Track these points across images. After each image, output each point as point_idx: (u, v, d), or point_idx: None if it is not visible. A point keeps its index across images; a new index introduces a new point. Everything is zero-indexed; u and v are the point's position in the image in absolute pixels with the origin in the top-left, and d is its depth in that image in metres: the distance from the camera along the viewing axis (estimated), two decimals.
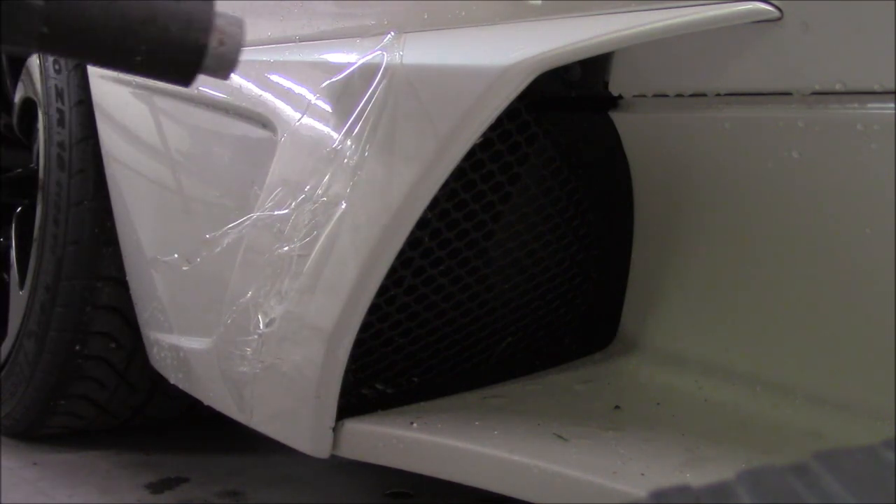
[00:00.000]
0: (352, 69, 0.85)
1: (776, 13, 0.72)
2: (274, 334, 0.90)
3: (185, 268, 1.00)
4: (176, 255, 1.02)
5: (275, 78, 0.95)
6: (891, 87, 0.69)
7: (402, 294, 0.93)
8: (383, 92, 0.82)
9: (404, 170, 0.81)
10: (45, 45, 0.75)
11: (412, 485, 1.29)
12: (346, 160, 0.84)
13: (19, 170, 1.61)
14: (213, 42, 0.78)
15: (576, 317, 1.07)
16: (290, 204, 0.87)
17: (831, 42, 0.71)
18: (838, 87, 0.71)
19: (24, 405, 1.38)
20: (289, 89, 0.94)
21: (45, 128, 1.34)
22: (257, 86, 0.97)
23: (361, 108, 0.83)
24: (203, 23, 0.78)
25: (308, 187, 0.87)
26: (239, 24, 0.81)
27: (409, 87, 0.81)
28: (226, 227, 0.93)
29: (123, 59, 0.77)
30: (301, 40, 0.95)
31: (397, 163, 0.82)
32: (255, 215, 0.90)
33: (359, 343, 0.89)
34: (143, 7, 0.76)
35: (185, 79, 0.80)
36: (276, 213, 0.88)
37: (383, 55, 0.83)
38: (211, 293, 1.01)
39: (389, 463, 0.89)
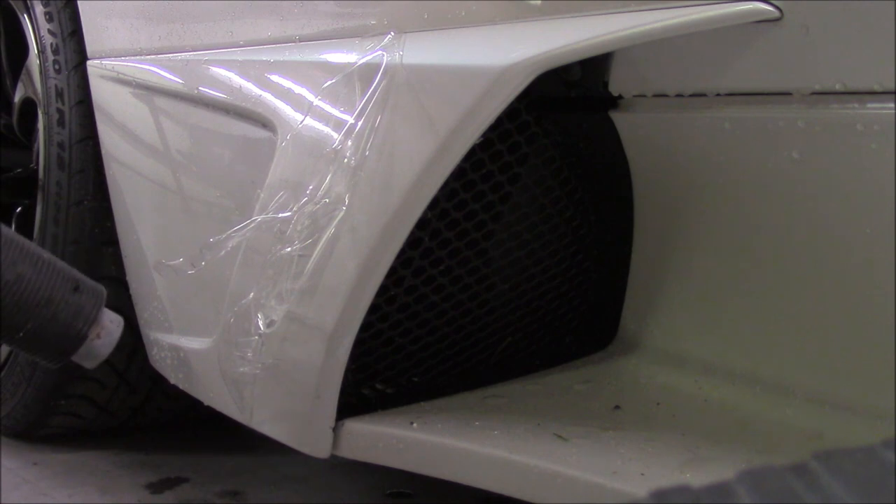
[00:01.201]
0: (352, 69, 0.85)
1: (776, 13, 0.72)
2: (274, 334, 0.90)
3: (190, 272, 1.01)
4: (181, 260, 1.02)
5: (275, 78, 0.95)
6: (891, 87, 0.69)
7: (402, 294, 0.93)
8: (383, 92, 0.82)
9: (404, 170, 0.81)
10: None
11: (412, 485, 1.29)
12: (346, 160, 0.84)
13: (19, 170, 1.61)
14: (93, 334, 0.88)
15: (576, 317, 1.07)
16: (292, 205, 0.87)
17: (831, 42, 0.71)
18: (838, 87, 0.71)
19: (24, 405, 1.38)
20: (289, 89, 0.94)
21: (45, 128, 1.34)
22: (257, 86, 0.97)
23: (361, 108, 0.83)
24: (89, 316, 0.87)
25: (308, 188, 0.87)
26: (119, 323, 0.91)
27: (409, 87, 0.81)
28: (230, 231, 0.93)
29: (7, 331, 0.84)
30: (301, 40, 0.95)
31: (397, 163, 0.82)
32: (258, 218, 0.90)
33: (359, 343, 0.89)
34: (44, 291, 0.84)
35: (57, 360, 0.89)
36: (279, 215, 0.88)
37: (383, 55, 0.83)
38: (211, 293, 1.01)
39: (389, 463, 0.89)
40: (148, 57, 1.14)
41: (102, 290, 0.91)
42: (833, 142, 0.75)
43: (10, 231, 0.87)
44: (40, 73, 1.36)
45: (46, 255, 0.89)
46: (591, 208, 1.02)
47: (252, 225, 0.91)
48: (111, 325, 0.90)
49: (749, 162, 0.82)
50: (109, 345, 0.89)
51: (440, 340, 0.99)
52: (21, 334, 0.85)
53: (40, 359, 0.90)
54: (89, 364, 0.90)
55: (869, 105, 0.71)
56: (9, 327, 0.84)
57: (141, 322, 1.23)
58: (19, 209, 1.54)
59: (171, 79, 1.10)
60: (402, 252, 0.86)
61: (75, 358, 0.89)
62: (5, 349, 1.42)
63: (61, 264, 0.89)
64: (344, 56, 0.87)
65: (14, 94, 1.56)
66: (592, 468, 0.77)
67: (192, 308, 1.10)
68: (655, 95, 0.86)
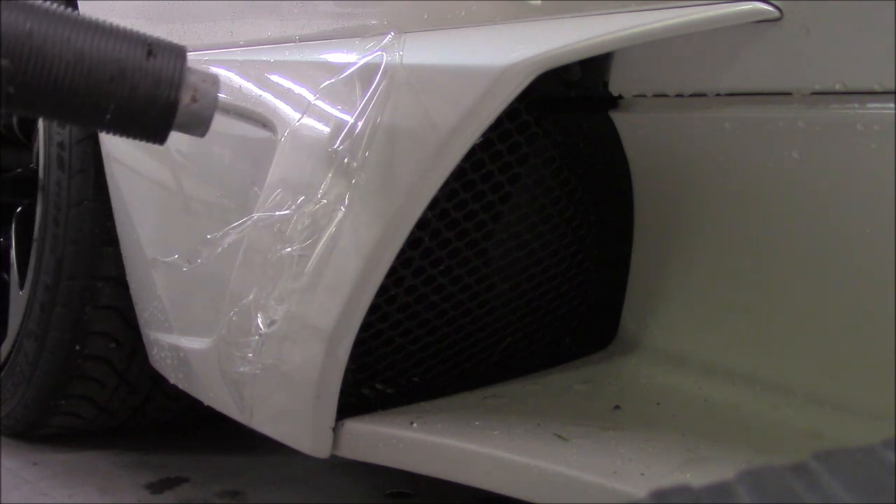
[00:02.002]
0: (352, 69, 0.85)
1: (776, 13, 0.72)
2: (274, 334, 0.90)
3: (185, 269, 1.01)
4: (177, 256, 1.02)
5: (275, 78, 0.95)
6: (891, 87, 0.69)
7: (402, 294, 0.93)
8: (383, 92, 0.82)
9: (404, 170, 0.81)
10: (12, 105, 0.73)
11: (412, 485, 1.29)
12: (346, 160, 0.84)
13: (19, 170, 1.61)
14: (186, 99, 0.77)
15: (576, 317, 1.07)
16: (291, 205, 0.87)
17: (831, 42, 0.71)
18: (838, 87, 0.71)
19: (24, 405, 1.38)
20: (289, 89, 0.94)
21: (45, 128, 1.34)
22: (257, 86, 0.97)
23: (361, 108, 0.83)
24: (173, 80, 0.77)
25: (308, 188, 0.87)
26: (213, 79, 0.80)
27: (409, 87, 0.81)
28: (227, 228, 0.93)
29: (92, 118, 0.76)
30: (301, 40, 0.95)
31: (397, 163, 0.82)
32: (255, 216, 0.90)
33: (359, 343, 0.89)
34: (111, 65, 0.74)
35: (158, 137, 0.79)
36: (276, 213, 0.88)
37: (383, 55, 0.83)
38: (211, 293, 1.01)
39: (389, 463, 0.89)
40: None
41: (182, 48, 0.80)
42: (833, 142, 0.75)
43: (58, 7, 0.75)
44: None
45: (106, 23, 0.78)
46: (591, 208, 1.02)
47: (249, 222, 0.91)
48: (204, 83, 0.79)
49: (749, 162, 0.82)
50: (210, 105, 0.78)
51: (440, 340, 0.99)
52: (108, 116, 0.75)
53: (143, 138, 0.79)
54: (200, 132, 0.79)
55: (869, 105, 0.71)
56: (92, 112, 0.75)
57: (141, 322, 1.23)
58: (19, 209, 1.54)
59: None
60: (402, 252, 0.86)
61: (180, 129, 0.78)
62: (5, 349, 1.42)
63: (126, 30, 0.77)
64: (344, 56, 0.87)
65: None
66: (592, 468, 0.77)
67: (192, 308, 1.10)
68: (655, 95, 0.86)
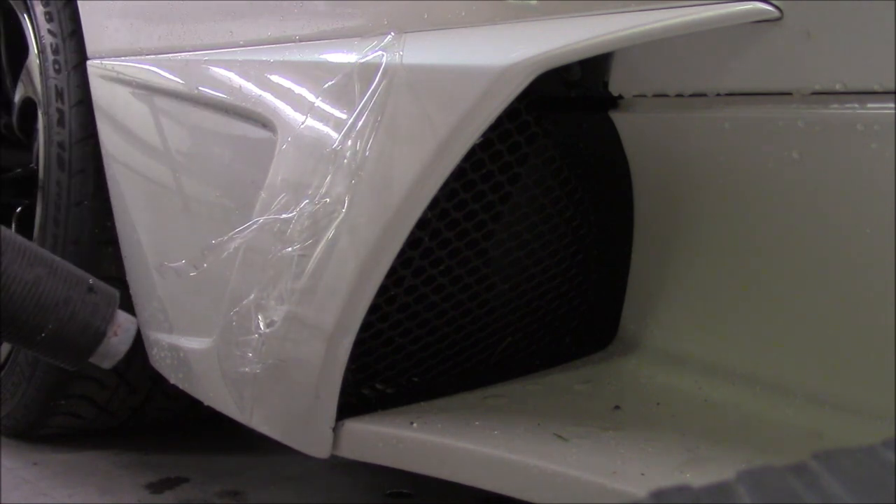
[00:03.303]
0: (352, 69, 0.85)
1: (776, 13, 0.72)
2: (274, 334, 0.90)
3: (192, 274, 1.01)
4: (184, 262, 1.02)
5: (275, 78, 0.95)
6: (891, 87, 0.69)
7: (402, 294, 0.93)
8: (383, 92, 0.82)
9: (404, 170, 0.81)
10: None
11: (412, 485, 1.29)
12: (346, 160, 0.84)
13: (19, 170, 1.61)
14: (110, 332, 0.91)
15: (576, 317, 1.07)
16: (295, 208, 0.88)
17: (831, 42, 0.71)
18: (838, 87, 0.71)
19: (24, 405, 1.38)
20: (289, 89, 0.94)
21: (45, 128, 1.34)
22: (257, 86, 0.97)
23: (361, 108, 0.83)
24: (106, 313, 0.90)
25: (308, 188, 0.87)
26: (134, 322, 0.95)
27: (409, 87, 0.81)
28: (232, 233, 0.93)
29: (29, 333, 0.87)
30: (301, 40, 0.95)
31: (397, 163, 0.82)
32: (260, 220, 0.90)
33: (359, 343, 0.89)
34: (61, 291, 0.87)
35: (77, 361, 0.91)
36: (282, 216, 0.88)
37: (383, 55, 0.83)
38: (211, 294, 1.01)
39: (389, 463, 0.89)
40: (148, 57, 1.14)
41: (115, 291, 0.94)
42: (833, 142, 0.75)
43: (17, 236, 0.90)
44: (40, 72, 1.36)
45: (57, 258, 0.92)
46: (591, 208, 1.02)
47: (254, 226, 0.91)
48: (126, 322, 0.93)
49: (749, 162, 0.82)
50: (126, 342, 0.94)
51: (440, 340, 0.99)
52: (43, 335, 0.87)
53: (60, 361, 0.94)
54: (107, 363, 0.92)
55: (869, 105, 0.71)
56: (31, 329, 0.87)
57: (141, 322, 1.23)
58: (19, 209, 1.54)
59: (171, 79, 1.10)
60: (402, 252, 0.86)
61: (94, 358, 0.93)
62: (5, 348, 1.42)
63: (73, 267, 0.92)
64: (344, 56, 0.87)
65: (14, 94, 1.56)
66: (592, 468, 0.77)
67: (192, 308, 1.10)
68: (655, 95, 0.86)
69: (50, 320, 0.87)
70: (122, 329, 0.92)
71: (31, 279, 0.86)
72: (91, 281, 0.91)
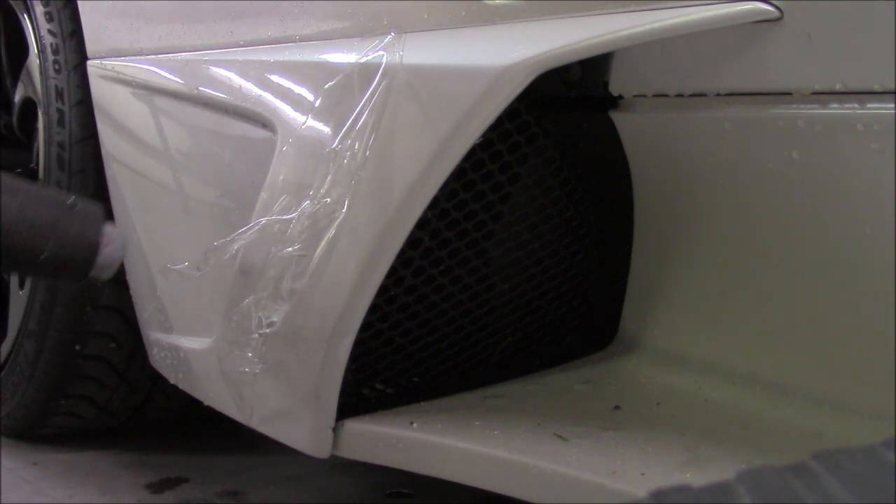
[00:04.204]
0: (352, 69, 0.85)
1: (776, 13, 0.72)
2: (275, 334, 0.90)
3: (196, 275, 1.01)
4: (187, 264, 1.03)
5: (275, 78, 0.95)
6: (891, 87, 0.69)
7: (402, 294, 0.93)
8: (383, 92, 0.82)
9: (404, 170, 0.81)
10: None
11: (412, 485, 1.29)
12: (346, 160, 0.84)
13: (19, 170, 1.61)
14: (103, 242, 0.95)
15: (576, 317, 1.07)
16: (295, 208, 0.88)
17: (831, 42, 0.71)
18: (838, 87, 0.71)
19: (24, 405, 1.38)
20: (289, 89, 0.94)
21: (45, 128, 1.34)
22: (257, 86, 0.97)
23: (361, 108, 0.83)
24: (95, 225, 0.95)
25: (308, 188, 0.87)
26: (119, 233, 0.99)
27: (409, 87, 0.81)
28: (235, 234, 0.93)
29: (29, 259, 0.92)
30: (301, 40, 0.95)
31: (397, 163, 0.82)
32: (263, 221, 0.90)
33: (359, 343, 0.89)
34: (48, 213, 0.91)
35: (79, 275, 0.95)
36: (283, 217, 0.88)
37: (383, 55, 0.83)
38: (211, 294, 1.01)
39: (389, 463, 0.89)
40: (148, 57, 1.14)
41: (97, 203, 0.98)
42: (833, 142, 0.75)
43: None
44: (40, 73, 1.36)
45: (33, 184, 0.96)
46: (591, 208, 1.02)
47: (256, 227, 0.91)
48: (113, 231, 0.96)
49: (749, 162, 0.82)
50: (119, 249, 0.96)
51: (440, 340, 0.99)
52: (42, 257, 0.91)
53: (65, 278, 0.98)
54: (107, 274, 0.96)
55: (869, 105, 0.71)
56: (30, 254, 0.91)
57: (141, 322, 1.23)
58: None
59: (171, 79, 1.10)
60: (402, 252, 0.86)
61: (95, 270, 0.95)
62: (5, 348, 1.42)
63: (52, 188, 0.98)
64: (344, 56, 0.87)
65: (14, 94, 1.56)
66: (592, 468, 0.77)
67: (192, 308, 1.10)
68: (655, 95, 0.86)
69: (46, 242, 0.90)
70: (110, 238, 0.96)
71: (17, 207, 0.89)
72: (72, 199, 0.95)
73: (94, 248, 0.93)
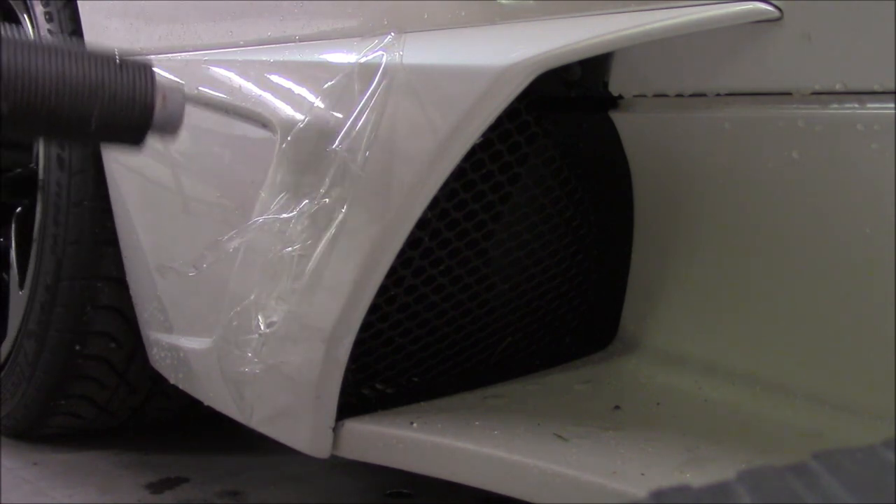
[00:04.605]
0: (352, 69, 0.85)
1: (776, 13, 0.72)
2: (275, 334, 0.90)
3: (191, 274, 1.01)
4: (183, 262, 1.02)
5: (275, 78, 0.95)
6: (891, 87, 0.69)
7: (402, 294, 0.93)
8: (383, 92, 0.82)
9: (404, 170, 0.81)
10: (7, 124, 0.81)
11: (412, 485, 1.29)
12: (346, 160, 0.84)
13: (19, 170, 1.61)
14: (158, 101, 0.86)
15: (576, 317, 1.07)
16: (294, 208, 0.87)
17: (831, 42, 0.71)
18: (838, 87, 0.71)
19: (24, 405, 1.38)
20: (289, 89, 0.94)
21: None
22: (257, 86, 0.97)
23: (361, 108, 0.83)
24: (146, 85, 0.86)
25: (308, 188, 0.87)
26: (179, 86, 0.89)
27: (409, 87, 0.81)
28: (232, 232, 0.93)
29: (80, 128, 0.84)
30: (301, 40, 0.95)
31: (397, 163, 0.82)
32: (260, 220, 0.90)
33: (359, 343, 0.89)
34: (91, 77, 0.83)
35: (138, 137, 0.88)
36: (282, 216, 0.88)
37: (383, 55, 0.83)
38: (211, 294, 1.01)
39: (389, 463, 0.89)
40: (148, 57, 1.14)
41: (148, 59, 0.90)
42: (833, 142, 0.75)
43: (22, 34, 0.87)
44: None
45: (76, 45, 0.88)
46: (591, 208, 1.02)
47: (254, 226, 0.91)
48: (172, 86, 0.88)
49: (749, 162, 0.82)
50: (180, 107, 0.88)
51: (440, 340, 0.99)
52: (93, 124, 0.84)
53: (124, 142, 0.89)
54: (172, 130, 0.88)
55: (869, 105, 0.71)
56: (79, 122, 0.83)
57: (141, 322, 1.23)
58: (19, 209, 1.54)
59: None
60: (402, 252, 0.86)
61: (155, 131, 0.88)
62: (5, 348, 1.42)
63: (95, 47, 0.87)
64: (344, 56, 0.87)
65: None
66: (592, 468, 0.77)
67: (192, 308, 1.10)
68: (655, 95, 0.86)
69: (93, 106, 0.83)
70: (168, 94, 0.87)
71: (56, 73, 0.81)
72: (119, 58, 0.87)
73: (147, 110, 0.85)
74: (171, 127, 0.87)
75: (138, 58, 0.88)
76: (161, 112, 0.86)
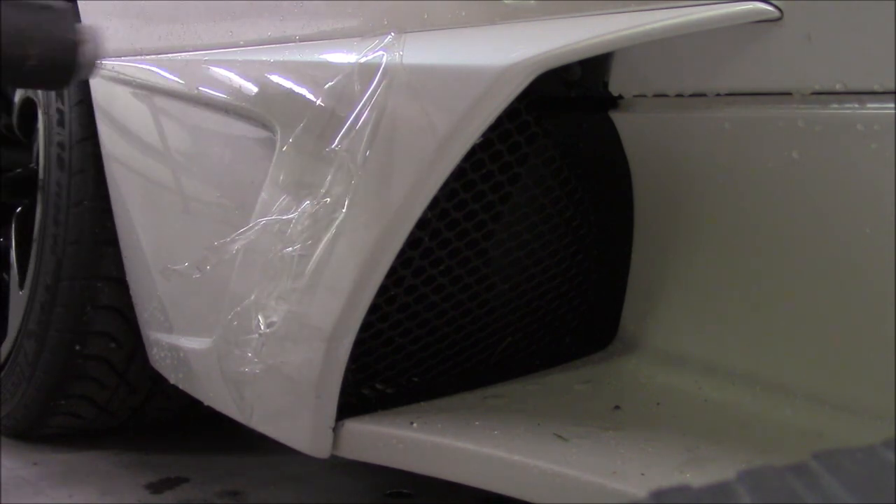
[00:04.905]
0: (352, 69, 0.85)
1: (776, 13, 0.72)
2: (275, 334, 0.90)
3: (196, 276, 1.01)
4: (187, 265, 1.02)
5: (275, 78, 0.95)
6: (891, 87, 0.69)
7: (402, 294, 0.93)
8: (383, 92, 0.82)
9: (404, 170, 0.81)
10: None
11: (412, 485, 1.29)
12: (346, 160, 0.84)
13: (19, 170, 1.61)
14: (80, 40, 0.91)
15: (576, 317, 1.07)
16: (295, 208, 0.88)
17: (831, 42, 0.71)
18: (838, 87, 0.71)
19: (24, 405, 1.38)
20: (289, 89, 0.94)
21: (45, 128, 1.34)
22: (257, 86, 0.97)
23: (361, 108, 0.83)
24: (72, 24, 0.91)
25: (309, 188, 0.87)
26: (94, 28, 0.94)
27: (409, 87, 0.81)
28: (234, 234, 0.93)
29: (18, 64, 0.89)
30: (301, 40, 0.95)
31: (397, 163, 0.82)
32: (262, 221, 0.90)
33: (359, 343, 0.89)
34: (26, 18, 0.89)
35: (66, 77, 0.92)
36: (283, 217, 0.88)
37: (383, 55, 0.83)
38: (211, 294, 1.01)
39: (389, 463, 0.89)
40: (148, 57, 1.14)
41: (67, 2, 0.96)
42: (833, 142, 0.75)
43: None
44: None
45: None
46: (591, 208, 1.02)
47: (257, 227, 0.91)
48: (87, 28, 0.93)
49: (749, 162, 0.82)
50: (98, 46, 0.93)
51: (440, 340, 0.99)
52: (32, 62, 0.88)
53: (51, 84, 0.97)
54: (89, 72, 0.94)
55: (869, 105, 0.71)
56: (18, 60, 0.88)
57: (141, 322, 1.23)
58: (19, 209, 1.54)
59: (170, 79, 1.10)
60: (402, 252, 0.86)
61: (77, 70, 0.92)
62: (5, 349, 1.42)
63: None
64: (344, 56, 0.87)
65: (14, 94, 1.56)
66: (592, 468, 0.77)
67: (192, 308, 1.10)
68: (655, 95, 0.86)
69: (33, 47, 0.88)
70: (88, 35, 0.92)
71: (4, 15, 0.87)
72: (45, 1, 0.93)
73: (74, 48, 0.90)
74: (88, 67, 0.92)
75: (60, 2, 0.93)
76: (84, 51, 0.91)
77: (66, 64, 0.90)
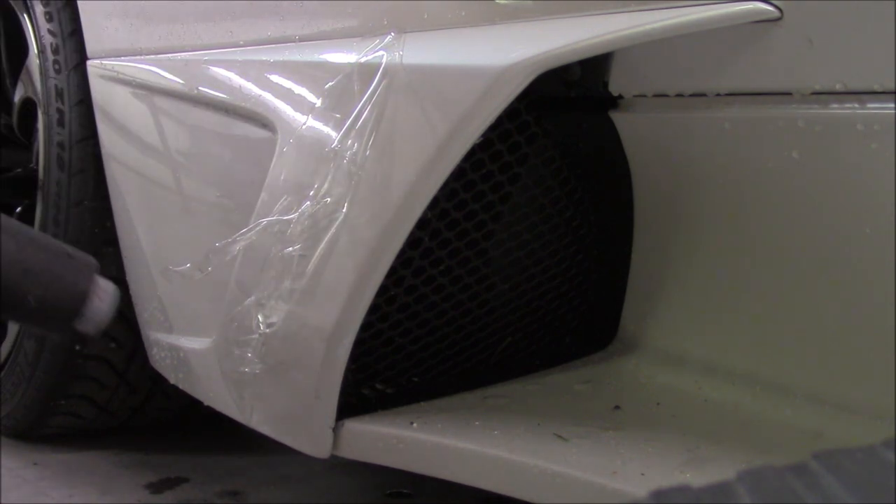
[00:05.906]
0: (352, 69, 0.85)
1: (776, 13, 0.72)
2: (275, 334, 0.90)
3: (198, 277, 1.01)
4: (189, 266, 1.02)
5: (275, 78, 0.95)
6: (891, 87, 0.69)
7: (402, 294, 0.93)
8: (383, 92, 0.82)
9: (404, 170, 0.81)
10: None
11: (412, 485, 1.29)
12: (346, 160, 0.84)
13: (19, 170, 1.61)
14: (93, 296, 0.92)
15: (576, 317, 1.07)
16: (296, 208, 0.88)
17: (831, 42, 0.71)
18: (838, 87, 0.71)
19: (24, 405, 1.38)
20: (289, 89, 0.94)
21: (45, 128, 1.34)
22: (257, 86, 0.97)
23: (361, 108, 0.83)
24: (88, 277, 0.93)
25: (309, 188, 0.87)
26: (114, 288, 0.96)
27: (409, 87, 0.81)
28: (236, 235, 0.93)
29: (17, 303, 0.89)
30: (301, 40, 0.95)
31: (397, 163, 0.82)
32: (263, 222, 0.90)
33: (359, 343, 0.89)
34: (43, 260, 0.90)
35: (64, 325, 0.92)
36: (283, 217, 0.88)
37: (383, 55, 0.83)
38: (211, 294, 1.01)
39: (389, 463, 0.89)
40: (148, 57, 1.14)
41: (92, 258, 0.97)
42: (833, 142, 0.75)
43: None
44: (40, 73, 1.36)
45: (32, 229, 0.96)
46: (591, 208, 1.02)
47: (257, 228, 0.91)
48: (107, 287, 0.95)
49: (749, 162, 0.82)
50: (110, 306, 0.94)
51: (440, 340, 0.99)
52: (31, 302, 0.89)
53: (51, 326, 0.95)
54: (93, 328, 0.94)
55: (869, 105, 0.71)
56: (19, 298, 0.89)
57: (141, 322, 1.23)
58: (19, 209, 1.54)
59: (170, 79, 1.10)
60: (402, 252, 0.86)
61: (79, 324, 0.93)
62: (5, 349, 1.42)
63: (49, 237, 0.95)
64: (344, 56, 0.87)
65: (14, 94, 1.56)
66: (592, 468, 0.77)
67: (192, 308, 1.10)
68: (655, 95, 0.86)
69: (37, 287, 0.89)
70: (104, 293, 0.93)
71: (15, 249, 0.88)
72: (70, 249, 0.94)
73: (81, 299, 0.92)
74: (97, 323, 0.93)
75: (84, 253, 0.96)
76: (92, 307, 0.92)
77: (67, 312, 0.91)
